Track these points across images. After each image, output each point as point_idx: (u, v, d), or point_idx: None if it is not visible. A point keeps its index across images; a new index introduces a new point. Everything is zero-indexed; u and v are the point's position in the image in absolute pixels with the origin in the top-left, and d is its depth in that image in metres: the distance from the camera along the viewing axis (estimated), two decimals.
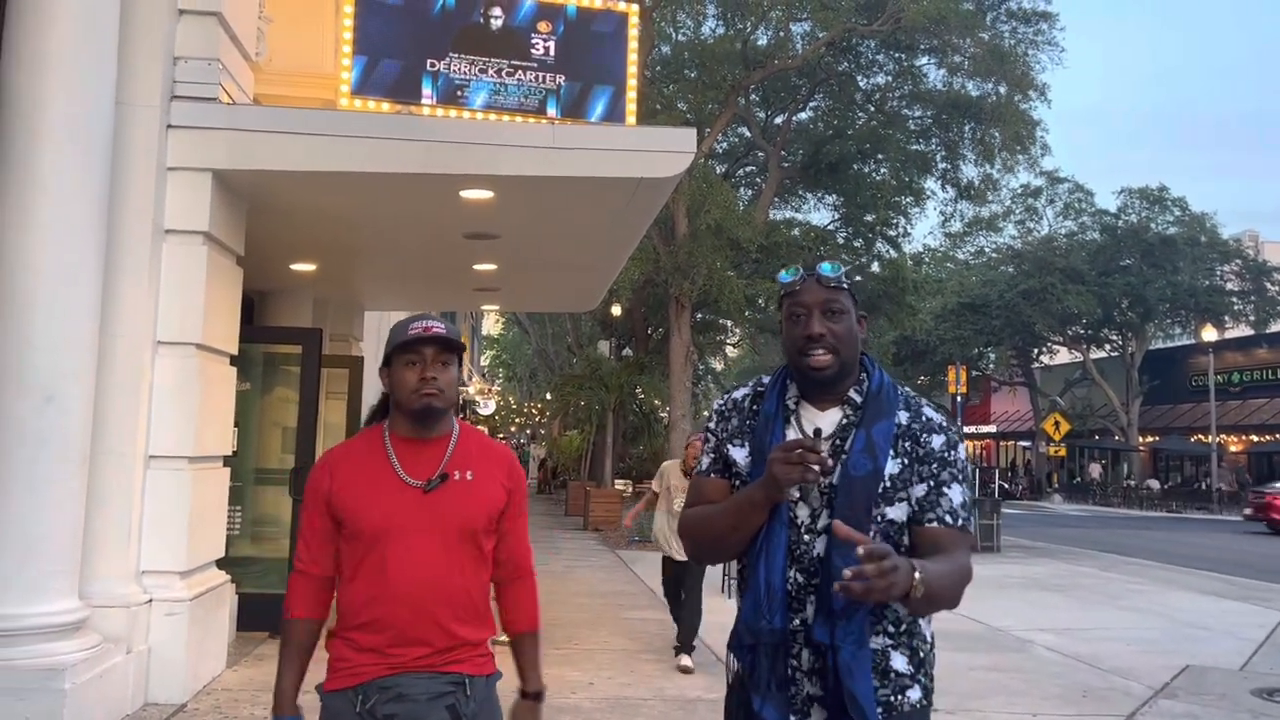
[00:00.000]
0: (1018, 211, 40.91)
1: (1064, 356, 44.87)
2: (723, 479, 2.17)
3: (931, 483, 2.04)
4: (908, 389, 2.16)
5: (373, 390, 14.23)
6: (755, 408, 2.17)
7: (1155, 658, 8.11)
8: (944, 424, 2.10)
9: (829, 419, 2.08)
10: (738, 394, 2.24)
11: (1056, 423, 35.81)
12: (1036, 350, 43.81)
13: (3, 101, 4.90)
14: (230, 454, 6.56)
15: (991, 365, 45.39)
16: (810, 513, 2.02)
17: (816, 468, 1.89)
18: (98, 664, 4.90)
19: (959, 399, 25.08)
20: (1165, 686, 7.05)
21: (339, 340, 11.07)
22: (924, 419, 2.09)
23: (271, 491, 8.30)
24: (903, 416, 2.08)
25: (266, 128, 5.95)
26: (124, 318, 5.53)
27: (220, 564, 6.43)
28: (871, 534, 1.96)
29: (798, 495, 2.01)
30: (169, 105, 5.77)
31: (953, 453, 2.06)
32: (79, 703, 4.64)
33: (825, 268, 2.09)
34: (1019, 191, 39.70)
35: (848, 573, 1.78)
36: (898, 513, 2.02)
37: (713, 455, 2.21)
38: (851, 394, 2.09)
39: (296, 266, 8.83)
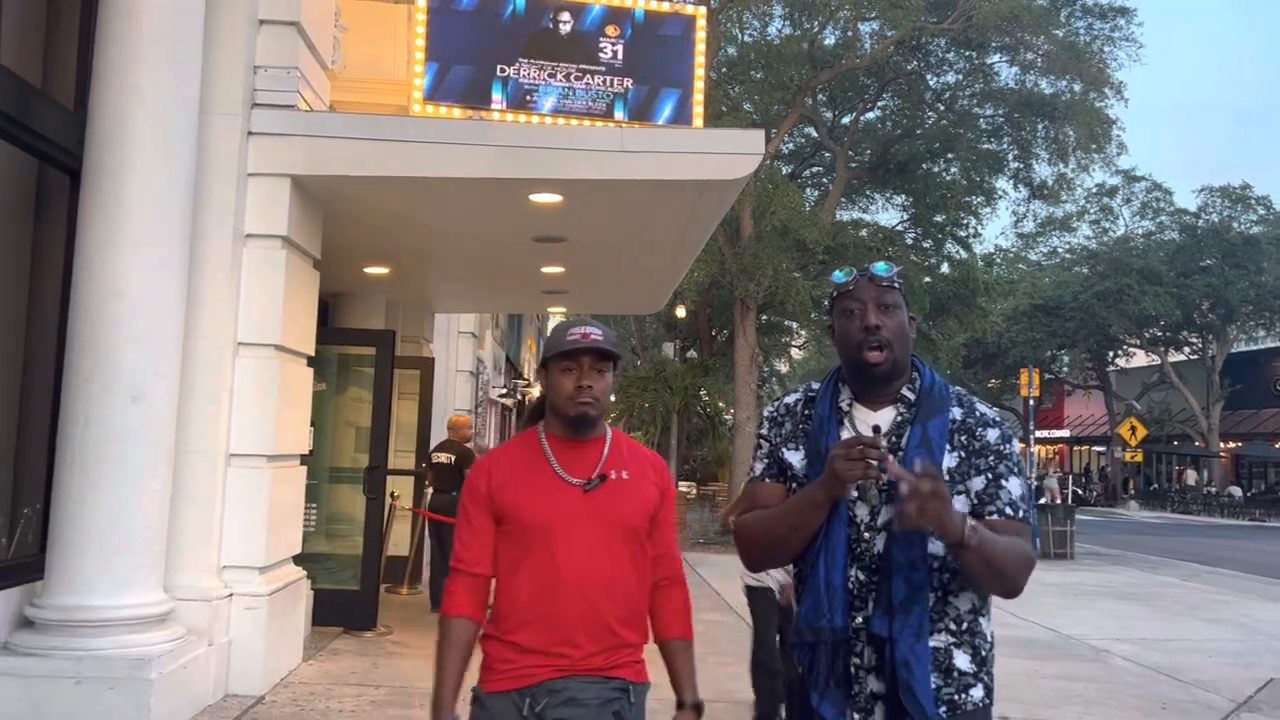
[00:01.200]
0: (1093, 211, 40.03)
1: (1141, 359, 43.72)
2: (778, 483, 2.21)
3: (989, 475, 2.08)
4: (959, 388, 2.20)
5: (443, 391, 14.44)
6: (807, 411, 2.22)
7: (1238, 670, 7.87)
8: (997, 419, 2.14)
9: (883, 418, 2.12)
10: (789, 399, 2.29)
11: (1133, 428, 34.89)
12: (1112, 353, 42.76)
13: (92, 124, 5.08)
14: (307, 453, 6.73)
15: (1065, 368, 44.40)
16: (869, 510, 2.05)
17: (876, 463, 1.94)
18: (182, 655, 5.06)
19: (1031, 402, 24.58)
20: (1249, 700, 6.85)
21: (410, 342, 11.26)
22: (977, 414, 2.13)
23: (345, 490, 8.48)
24: (956, 412, 2.12)
25: (343, 134, 6.09)
26: (206, 320, 5.70)
27: (296, 560, 6.59)
28: (931, 529, 1.96)
29: (856, 494, 2.05)
30: (249, 113, 5.93)
31: (1007, 446, 2.11)
32: (165, 692, 4.79)
33: (879, 268, 2.15)
34: (1094, 191, 38.85)
35: (904, 488, 1.87)
36: (957, 505, 2.02)
37: (767, 460, 2.25)
38: (904, 392, 2.13)
39: (370, 269, 9.01)
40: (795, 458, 2.18)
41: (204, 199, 5.66)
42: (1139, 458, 41.08)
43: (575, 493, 2.30)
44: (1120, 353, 43.06)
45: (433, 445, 9.75)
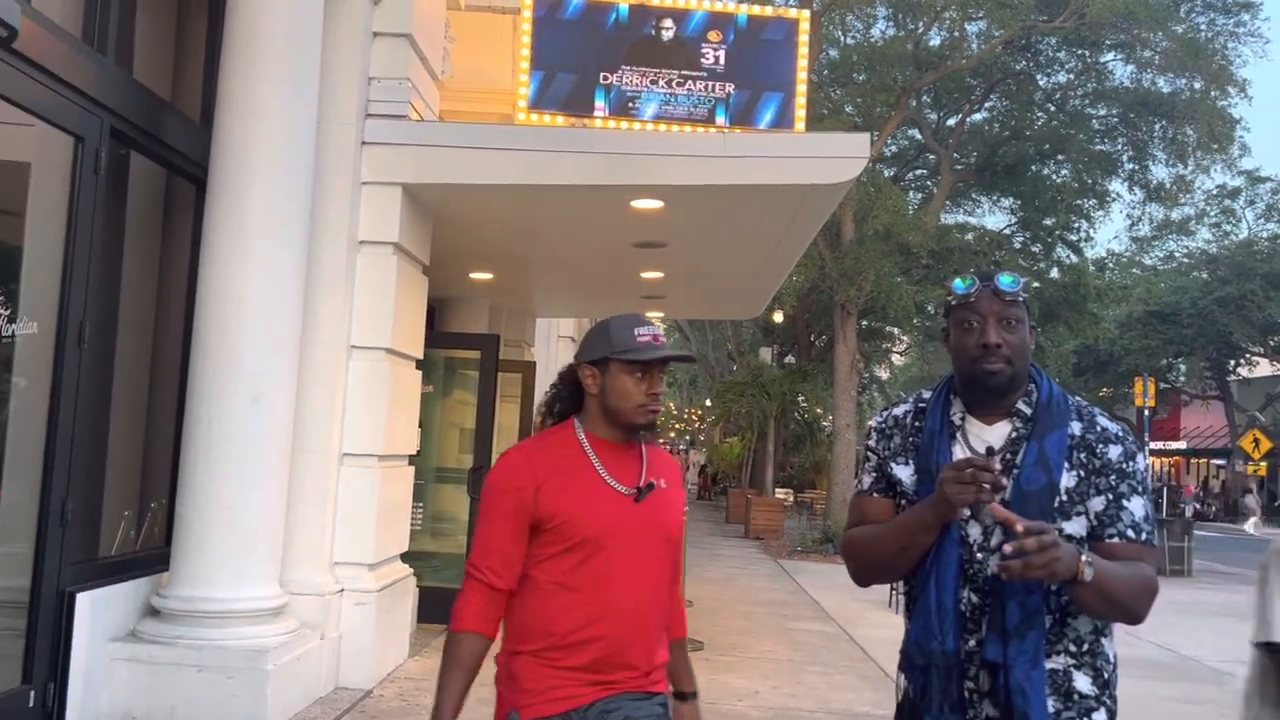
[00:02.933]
0: (1213, 214, 38.31)
1: (1265, 369, 41.62)
2: (886, 498, 2.14)
3: (1110, 495, 1.97)
4: (1079, 399, 2.09)
5: (543, 394, 14.64)
6: (918, 424, 2.13)
7: None
8: (1120, 434, 2.03)
9: (997, 433, 2.03)
10: (898, 410, 2.20)
11: (1256, 440, 33.28)
12: (1233, 362, 40.83)
13: (217, 136, 5.32)
14: (414, 453, 6.90)
15: (1182, 377, 42.60)
16: (982, 530, 1.98)
17: (989, 487, 1.86)
18: (296, 648, 5.24)
19: (1146, 413, 23.68)
20: None
21: (512, 346, 11.45)
22: (1099, 429, 2.02)
23: (450, 490, 8.66)
24: (1075, 427, 2.01)
25: (451, 143, 6.23)
26: (322, 324, 5.90)
27: (402, 558, 6.77)
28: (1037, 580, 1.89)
29: (969, 514, 1.97)
30: (363, 123, 6.12)
31: (1131, 464, 1.99)
32: (280, 683, 4.97)
33: (1004, 280, 2.03)
34: (1214, 192, 37.18)
35: (1008, 548, 1.77)
36: (1075, 527, 1.95)
37: (874, 474, 2.17)
38: (1020, 406, 2.04)
39: (475, 275, 9.20)
40: (905, 473, 2.11)
41: (320, 207, 5.86)
42: (1263, 471, 39.15)
43: (626, 503, 2.15)
44: (1242, 361, 41.09)
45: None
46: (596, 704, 2.10)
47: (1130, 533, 1.96)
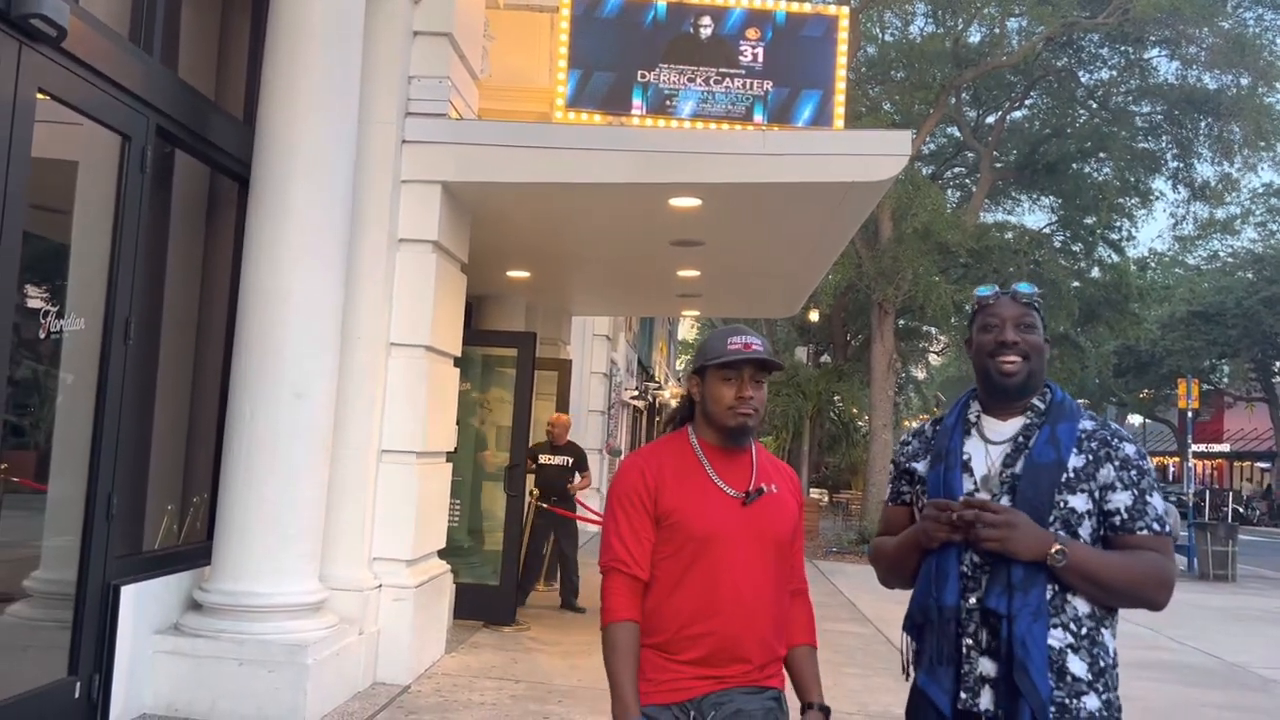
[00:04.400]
0: (1259, 212, 37.50)
1: None
2: (899, 505, 2.38)
3: (1135, 491, 2.13)
4: (1091, 412, 2.27)
5: (579, 392, 14.65)
6: (937, 427, 2.35)
7: None
8: (1130, 435, 2.22)
9: (1011, 426, 2.21)
10: (917, 425, 2.48)
11: None
12: (1279, 363, 40.06)
13: (260, 134, 5.37)
14: (452, 450, 6.92)
15: (1225, 379, 41.84)
16: (991, 499, 2.13)
17: (959, 529, 2.08)
18: (335, 642, 5.28)
19: (1189, 414, 23.28)
20: None
21: (548, 344, 11.48)
22: (1111, 428, 2.20)
23: (487, 487, 8.69)
24: (1088, 424, 2.19)
25: (491, 141, 6.24)
26: (362, 321, 5.94)
27: (440, 555, 6.80)
28: (1052, 519, 2.09)
29: (974, 487, 2.16)
30: (404, 121, 6.15)
31: (1145, 462, 2.17)
32: (320, 677, 5.01)
33: (1022, 286, 2.28)
34: (1261, 191, 36.45)
35: (965, 512, 2.06)
36: (1080, 502, 2.11)
37: (893, 483, 2.42)
38: (1035, 402, 2.23)
39: (512, 273, 9.23)
40: (921, 465, 2.32)
41: (361, 205, 5.90)
42: None
43: (735, 505, 2.29)
44: None
45: (533, 447, 9.07)
46: (710, 696, 2.23)
47: (1155, 525, 2.13)
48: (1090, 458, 2.13)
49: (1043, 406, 2.22)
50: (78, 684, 4.47)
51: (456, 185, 6.30)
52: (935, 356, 39.05)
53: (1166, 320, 35.70)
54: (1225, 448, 48.60)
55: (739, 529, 2.28)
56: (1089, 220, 21.82)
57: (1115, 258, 23.18)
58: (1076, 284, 21.54)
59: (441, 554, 6.83)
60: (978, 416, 2.26)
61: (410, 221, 6.14)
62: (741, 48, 8.37)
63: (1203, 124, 20.64)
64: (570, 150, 6.22)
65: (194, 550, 5.42)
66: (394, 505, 6.01)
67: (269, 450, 5.12)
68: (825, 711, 2.37)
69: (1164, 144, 21.69)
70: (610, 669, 2.24)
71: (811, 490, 25.18)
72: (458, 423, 7.27)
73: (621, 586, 2.29)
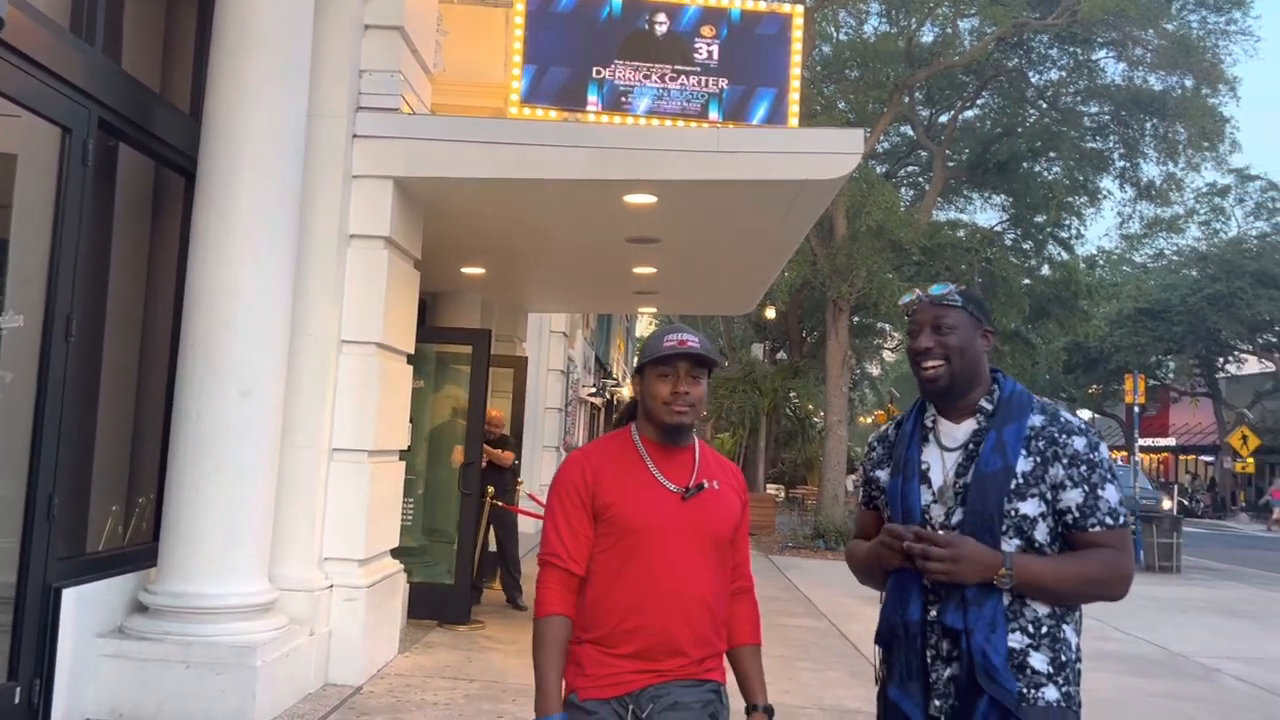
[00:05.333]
0: (1203, 212, 38.36)
1: (1253, 366, 41.80)
2: (871, 510, 2.41)
3: (1085, 487, 2.12)
4: (1044, 399, 2.26)
5: (535, 389, 14.59)
6: (899, 431, 2.35)
7: None
8: (1082, 426, 2.18)
9: (963, 430, 2.22)
10: (884, 429, 2.44)
11: (1244, 437, 33.39)
12: (1222, 359, 40.99)
13: (207, 128, 5.27)
14: (405, 449, 6.86)
15: (1171, 374, 42.74)
16: (945, 511, 2.16)
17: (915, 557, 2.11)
18: (285, 644, 5.20)
19: (1135, 409, 23.73)
20: None
21: (504, 340, 11.42)
22: (1061, 421, 2.18)
23: (441, 485, 8.62)
24: (1037, 420, 2.18)
25: (443, 136, 6.19)
26: (312, 318, 5.86)
27: (393, 554, 6.73)
28: (1004, 528, 2.10)
29: (931, 499, 2.18)
30: (354, 116, 6.07)
31: (1096, 454, 2.14)
32: (269, 679, 4.94)
33: (934, 288, 2.28)
34: (1204, 191, 37.27)
35: (911, 544, 2.09)
36: (1031, 507, 2.12)
37: (863, 487, 2.44)
38: (983, 403, 2.23)
39: (467, 269, 9.16)
40: (883, 474, 2.34)
41: (310, 200, 5.82)
42: (1250, 468, 39.32)
43: (674, 499, 2.32)
44: (1231, 359, 41.25)
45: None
46: (648, 689, 2.26)
47: (1108, 519, 2.12)
48: (1039, 459, 2.13)
49: (990, 407, 2.21)
50: (18, 689, 4.36)
51: (409, 181, 6.24)
52: (889, 353, 39.44)
53: (1114, 317, 36.36)
54: (1171, 442, 49.64)
55: (677, 523, 2.30)
56: (1039, 218, 22.15)
57: (1065, 256, 23.57)
58: (1027, 281, 21.86)
59: (395, 553, 6.77)
60: (934, 420, 2.27)
61: (361, 217, 6.07)
62: (697, 45, 8.37)
63: (1149, 124, 21.04)
64: (524, 146, 6.18)
65: (139, 552, 5.32)
66: (345, 504, 5.94)
67: (216, 449, 5.04)
68: (769, 712, 2.39)
69: (1111, 144, 22.08)
70: (536, 661, 2.26)
71: (768, 486, 25.32)
72: (411, 420, 7.20)
73: (554, 581, 2.31)
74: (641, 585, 2.26)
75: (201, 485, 5.03)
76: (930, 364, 2.20)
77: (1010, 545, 2.10)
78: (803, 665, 7.36)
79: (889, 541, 2.14)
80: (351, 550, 5.94)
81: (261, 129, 5.25)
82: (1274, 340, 38.09)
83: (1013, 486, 2.11)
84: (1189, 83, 19.83)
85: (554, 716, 2.20)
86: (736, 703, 2.41)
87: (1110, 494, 2.12)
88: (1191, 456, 49.53)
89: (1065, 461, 2.12)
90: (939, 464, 2.21)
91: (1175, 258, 39.71)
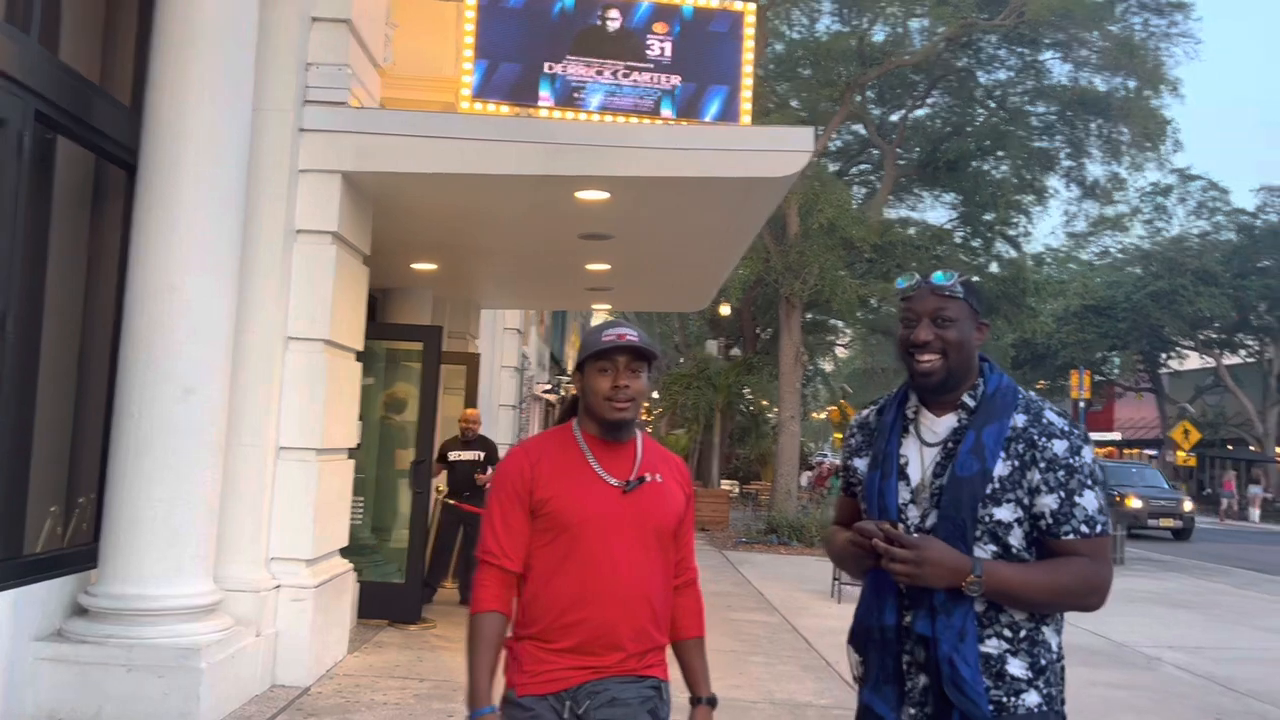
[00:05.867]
0: (1146, 211, 39.19)
1: (1195, 362, 42.80)
2: (847, 496, 2.34)
3: (1062, 493, 2.02)
4: (1032, 394, 2.15)
5: (488, 386, 14.51)
6: (880, 419, 2.26)
7: None
8: (1066, 428, 2.07)
9: (944, 425, 2.13)
10: (864, 413, 2.35)
11: (1186, 431, 34.17)
12: (1165, 355, 41.91)
13: (149, 121, 5.16)
14: (354, 447, 6.78)
15: (1116, 370, 43.61)
16: (920, 513, 2.09)
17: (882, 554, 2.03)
18: (230, 645, 5.12)
19: (1081, 404, 24.20)
20: None
21: (456, 337, 11.33)
22: (1044, 422, 2.07)
23: (392, 483, 8.55)
24: (1019, 419, 2.08)
25: (392, 131, 6.12)
26: (258, 314, 5.77)
27: (342, 553, 6.66)
28: (978, 534, 2.02)
29: (909, 497, 2.10)
30: (301, 110, 5.98)
31: (1078, 458, 2.03)
32: (213, 682, 4.86)
33: (938, 276, 2.15)
34: (1148, 190, 38.07)
35: (878, 543, 2.00)
36: (1006, 513, 2.03)
37: (843, 475, 2.36)
38: (965, 399, 2.13)
39: (418, 266, 9.08)
40: (861, 464, 2.26)
41: (256, 195, 5.73)
42: (1192, 461, 40.22)
43: (615, 493, 2.30)
44: (1173, 355, 42.20)
45: (443, 444, 9.12)
46: (586, 685, 2.23)
47: (1084, 528, 2.02)
48: (1017, 463, 2.04)
49: (973, 404, 2.11)
50: None
51: (357, 175, 6.16)
52: (842, 349, 39.79)
53: (1061, 314, 36.99)
54: (1116, 436, 50.67)
55: (618, 517, 2.28)
56: (988, 217, 22.45)
57: (1013, 253, 23.92)
58: (976, 278, 22.13)
59: (344, 552, 6.70)
60: (915, 412, 2.18)
61: (308, 212, 5.98)
62: (649, 41, 8.36)
63: (1093, 124, 21.43)
64: (475, 141, 6.14)
65: (79, 553, 5.20)
66: (292, 503, 5.86)
67: (158, 448, 4.94)
68: (712, 703, 2.39)
69: (1058, 143, 22.45)
70: (469, 658, 2.24)
71: (722, 482, 25.42)
72: (361, 418, 7.12)
73: (490, 579, 2.29)
74: (581, 579, 2.24)
75: (143, 485, 4.93)
76: (927, 358, 2.09)
77: (985, 551, 2.03)
78: (754, 660, 7.40)
79: (858, 540, 2.06)
80: (299, 550, 5.86)
81: (205, 122, 5.16)
82: (1214, 336, 39.03)
83: (988, 491, 2.03)
84: (1132, 84, 20.23)
85: (484, 711, 2.17)
86: (681, 698, 2.40)
87: (1088, 500, 2.02)
88: (1135, 451, 50.57)
89: (1043, 465, 2.03)
90: (917, 459, 2.12)
91: (1120, 256, 40.54)
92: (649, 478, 2.34)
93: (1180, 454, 36.65)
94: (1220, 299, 34.71)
